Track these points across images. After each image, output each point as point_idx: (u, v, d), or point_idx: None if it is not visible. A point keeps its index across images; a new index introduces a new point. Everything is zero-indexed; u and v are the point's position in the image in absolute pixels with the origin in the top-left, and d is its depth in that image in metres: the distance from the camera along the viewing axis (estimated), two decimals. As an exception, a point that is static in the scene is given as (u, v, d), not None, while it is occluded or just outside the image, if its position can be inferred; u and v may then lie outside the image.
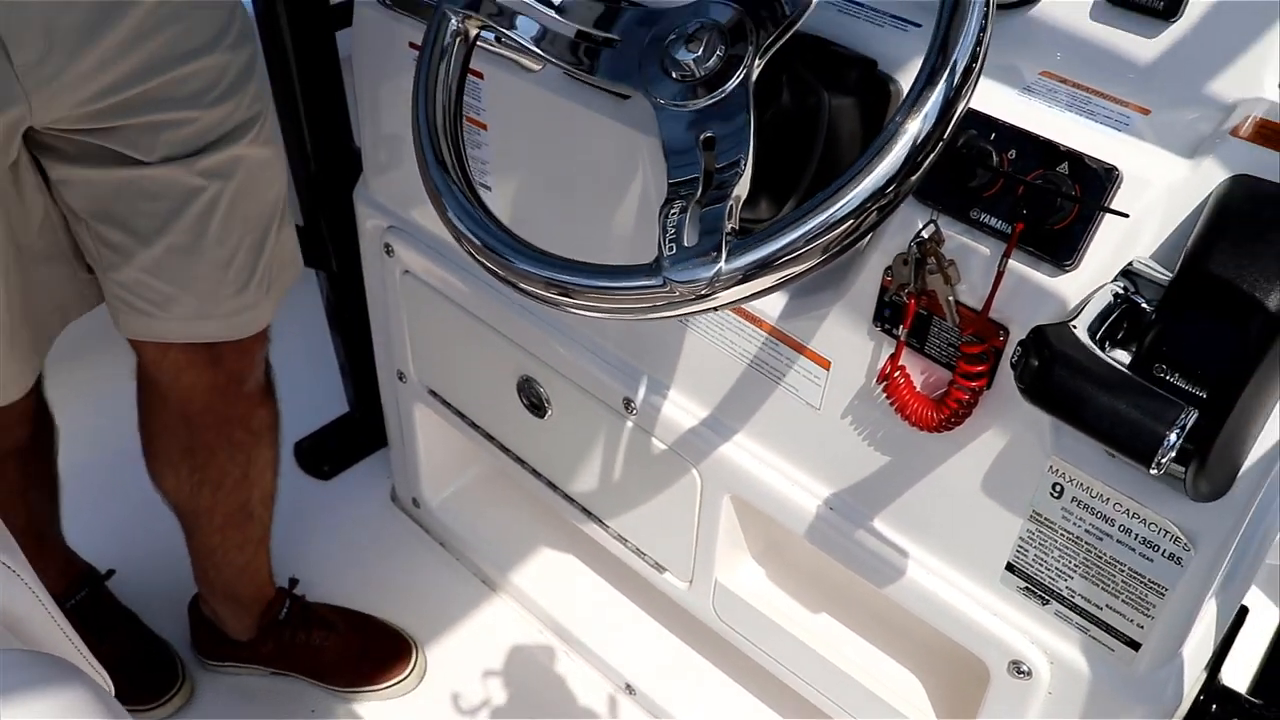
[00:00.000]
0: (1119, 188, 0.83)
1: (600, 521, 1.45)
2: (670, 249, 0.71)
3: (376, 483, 1.95)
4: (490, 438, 1.55)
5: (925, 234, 0.87)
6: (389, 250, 1.47)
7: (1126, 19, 0.91)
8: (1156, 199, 0.82)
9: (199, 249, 1.18)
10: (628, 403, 1.25)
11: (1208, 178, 0.81)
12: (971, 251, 0.88)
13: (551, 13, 0.85)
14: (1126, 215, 0.80)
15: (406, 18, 1.24)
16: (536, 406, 1.40)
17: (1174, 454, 0.68)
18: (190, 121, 1.12)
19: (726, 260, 0.69)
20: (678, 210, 0.73)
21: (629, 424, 1.28)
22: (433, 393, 1.60)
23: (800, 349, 1.05)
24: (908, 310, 0.91)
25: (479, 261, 0.81)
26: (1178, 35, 0.89)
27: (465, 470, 1.84)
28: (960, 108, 0.70)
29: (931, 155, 0.69)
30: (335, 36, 1.61)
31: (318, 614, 1.65)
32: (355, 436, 2.01)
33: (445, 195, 0.83)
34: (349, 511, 1.92)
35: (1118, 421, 0.69)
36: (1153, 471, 0.69)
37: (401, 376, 1.63)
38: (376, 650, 1.66)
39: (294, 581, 1.66)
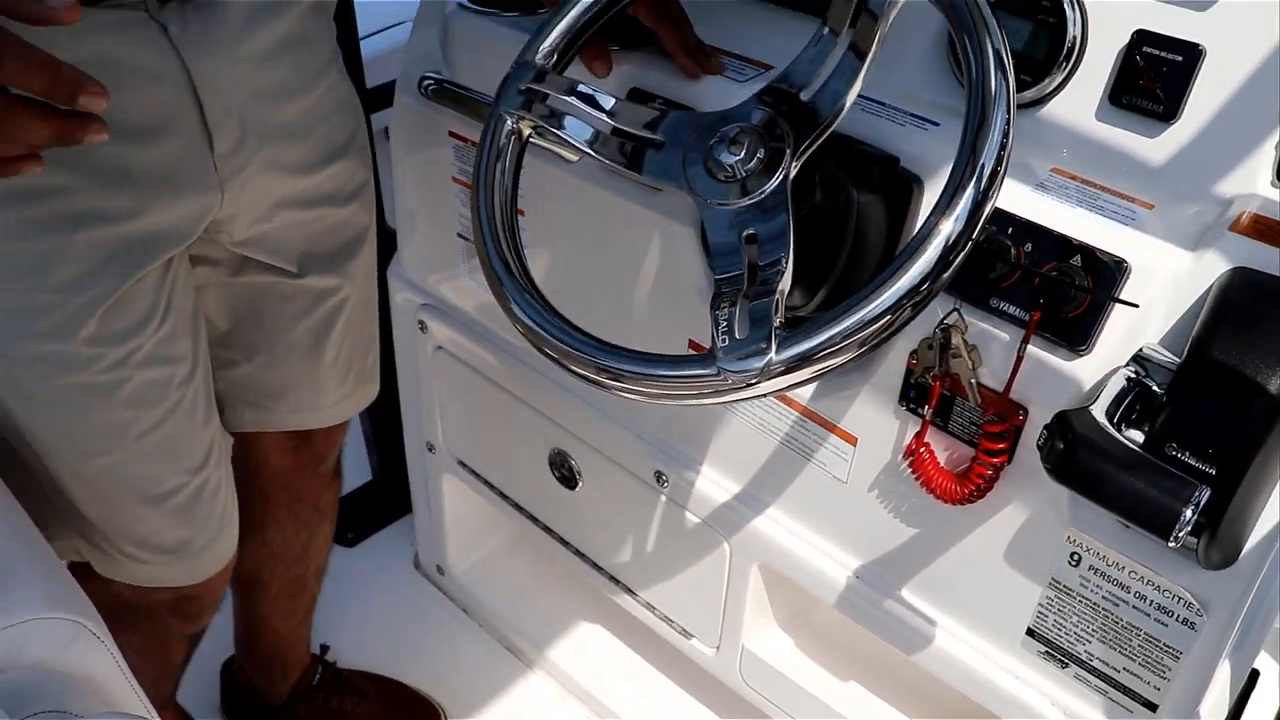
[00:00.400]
0: (1128, 278, 0.89)
1: (628, 589, 1.49)
2: (724, 341, 0.77)
3: (400, 549, 1.99)
4: (520, 508, 1.59)
5: (949, 321, 0.94)
6: (422, 327, 1.54)
7: (1129, 119, 0.97)
8: (1163, 289, 0.89)
9: (318, 352, 1.25)
10: (659, 476, 1.31)
11: (1209, 269, 0.87)
12: (992, 337, 0.95)
13: (603, 116, 0.92)
14: (1136, 306, 0.87)
15: (448, 109, 1.31)
16: (568, 479, 1.45)
17: (1190, 528, 0.74)
18: (321, 220, 1.19)
19: (777, 351, 0.76)
20: (727, 304, 0.79)
21: (660, 496, 1.33)
22: (462, 464, 1.65)
23: (828, 426, 1.11)
24: (933, 391, 0.97)
25: (545, 353, 0.86)
26: (1177, 135, 0.95)
27: (489, 538, 1.88)
28: (988, 209, 0.76)
29: (962, 254, 0.76)
30: (371, 119, 1.69)
31: (349, 680, 1.69)
32: (379, 504, 2.05)
33: (507, 286, 0.89)
34: (373, 578, 1.95)
35: (1138, 499, 0.75)
36: (1171, 544, 0.75)
37: (431, 448, 1.68)
38: (406, 718, 1.69)
39: (325, 648, 1.70)
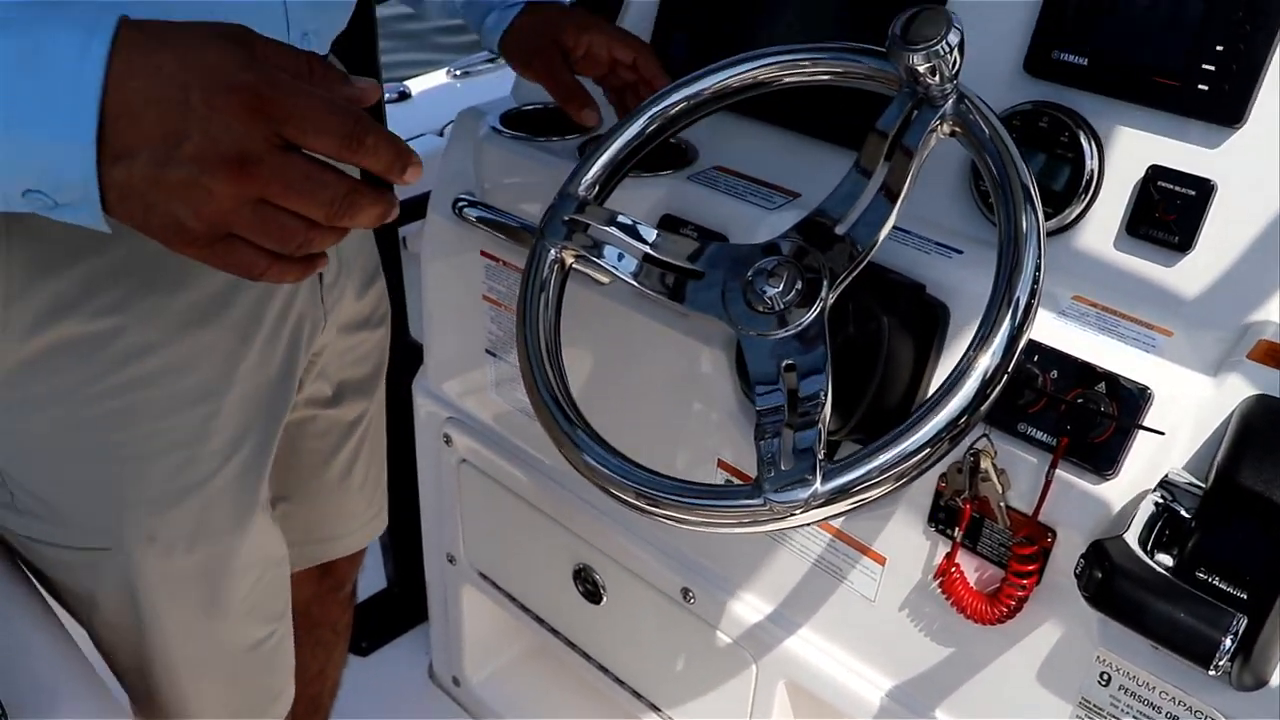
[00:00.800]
0: (1151, 405, 0.92)
1: (650, 704, 1.49)
2: (769, 472, 0.79)
3: (415, 659, 1.99)
4: (541, 621, 1.60)
5: (979, 446, 0.97)
6: (447, 440, 1.56)
7: (1146, 249, 1.02)
8: (1185, 414, 0.92)
9: (347, 484, 1.27)
10: (686, 593, 1.32)
11: (1230, 395, 0.90)
12: (1020, 460, 0.97)
13: (644, 247, 0.95)
14: (1162, 434, 0.90)
15: (480, 229, 1.35)
16: (592, 594, 1.46)
17: (1229, 656, 0.76)
18: (362, 344, 1.21)
19: (821, 483, 0.78)
20: (770, 435, 0.82)
21: (687, 613, 1.34)
22: (483, 576, 1.65)
23: (858, 546, 1.12)
24: (963, 514, 1.00)
25: (597, 484, 0.88)
26: (1192, 265, 1.00)
27: (507, 649, 1.87)
28: (1022, 343, 0.79)
29: (998, 387, 0.78)
30: (398, 231, 1.74)
31: (367, 795, 1.68)
32: (394, 612, 2.05)
33: (554, 412, 0.92)
34: (387, 689, 1.95)
35: (1177, 628, 0.78)
36: (1211, 673, 0.77)
37: (451, 559, 1.69)
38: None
39: (342, 761, 1.69)
